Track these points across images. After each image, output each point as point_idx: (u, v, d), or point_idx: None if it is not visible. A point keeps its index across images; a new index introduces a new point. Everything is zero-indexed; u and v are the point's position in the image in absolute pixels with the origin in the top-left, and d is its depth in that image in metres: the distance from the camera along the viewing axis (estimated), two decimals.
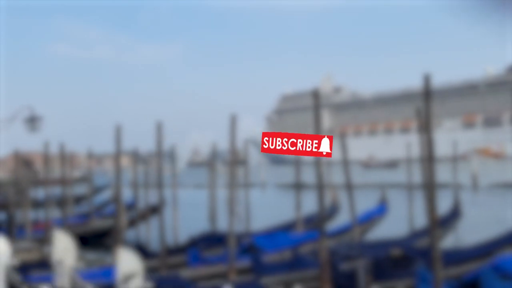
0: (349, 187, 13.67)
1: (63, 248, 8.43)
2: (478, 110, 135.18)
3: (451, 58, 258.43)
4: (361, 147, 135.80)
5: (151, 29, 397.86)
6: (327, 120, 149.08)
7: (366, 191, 32.67)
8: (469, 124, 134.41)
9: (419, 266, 9.07)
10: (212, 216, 18.85)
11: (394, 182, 42.77)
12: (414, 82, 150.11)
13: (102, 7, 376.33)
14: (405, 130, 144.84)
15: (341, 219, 16.98)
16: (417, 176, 20.73)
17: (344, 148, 14.12)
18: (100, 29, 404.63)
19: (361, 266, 9.77)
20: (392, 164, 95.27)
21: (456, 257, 10.35)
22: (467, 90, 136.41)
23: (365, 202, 18.65)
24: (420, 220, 19.50)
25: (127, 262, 7.80)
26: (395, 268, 10.09)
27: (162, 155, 13.52)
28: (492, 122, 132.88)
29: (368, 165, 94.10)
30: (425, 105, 8.93)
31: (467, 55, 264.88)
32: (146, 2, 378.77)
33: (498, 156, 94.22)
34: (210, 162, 20.80)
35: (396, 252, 10.94)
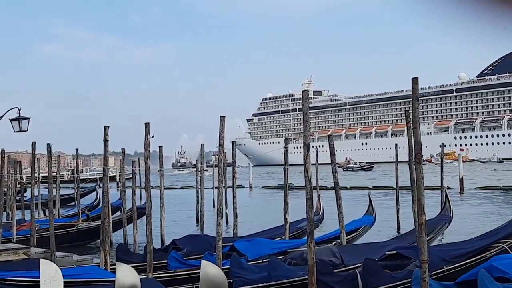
0: (337, 196, 13.23)
1: (50, 278, 8.01)
2: (451, 115, 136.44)
3: (425, 65, 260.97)
4: (338, 150, 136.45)
5: (142, 32, 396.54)
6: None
7: (344, 193, 32.33)
8: (442, 128, 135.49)
9: (416, 269, 8.68)
10: (199, 217, 18.40)
11: (370, 184, 42.58)
12: (390, 87, 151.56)
13: (92, 9, 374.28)
14: (380, 133, 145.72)
15: (326, 228, 16.61)
16: (395, 178, 20.63)
17: (331, 150, 13.78)
18: (90, 30, 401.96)
19: (360, 270, 9.38)
20: (368, 167, 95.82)
21: (452, 252, 9.98)
22: (441, 95, 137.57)
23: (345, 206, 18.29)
24: (404, 222, 19.28)
25: (125, 277, 7.38)
26: (391, 269, 9.70)
27: (150, 156, 13.06)
28: (464, 126, 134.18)
29: (345, 167, 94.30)
30: (413, 107, 8.55)
31: (442, 62, 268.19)
32: (136, 4, 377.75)
33: (462, 160, 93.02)
34: (196, 164, 20.34)
35: (390, 253, 10.58)
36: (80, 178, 37.32)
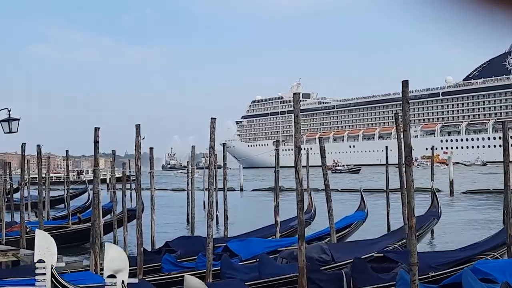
0: (328, 198, 13.21)
1: (44, 248, 7.92)
2: (438, 118, 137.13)
3: (413, 68, 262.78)
4: (326, 152, 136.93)
5: (133, 33, 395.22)
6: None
7: (334, 196, 32.30)
8: (428, 131, 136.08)
9: (401, 271, 8.69)
10: (190, 219, 18.25)
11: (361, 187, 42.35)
12: (378, 91, 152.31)
13: (84, 10, 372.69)
14: (368, 136, 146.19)
15: (319, 222, 16.54)
16: (385, 180, 20.60)
17: (322, 152, 13.72)
18: (81, 31, 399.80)
19: (346, 269, 9.40)
20: (355, 169, 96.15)
21: (438, 260, 10.01)
22: (428, 99, 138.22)
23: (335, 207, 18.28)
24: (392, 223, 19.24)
25: (114, 257, 7.27)
26: (378, 271, 9.67)
27: (141, 158, 12.92)
28: (450, 129, 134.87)
29: (333, 170, 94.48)
30: (403, 110, 8.48)
31: (429, 65, 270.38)
32: (130, 6, 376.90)
33: (445, 163, 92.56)
34: (187, 166, 20.16)
35: (378, 255, 10.57)
36: (87, 179, 37.06)
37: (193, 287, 8.53)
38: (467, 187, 43.92)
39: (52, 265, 7.88)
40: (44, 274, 7.77)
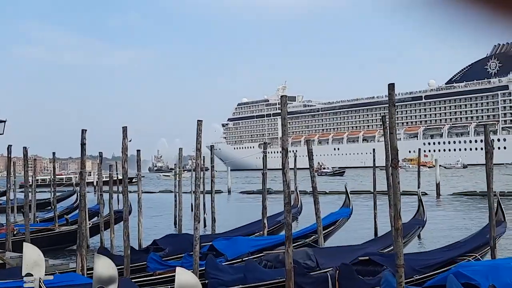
0: (315, 200, 13.24)
1: (32, 261, 7.78)
2: (420, 121, 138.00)
3: (397, 71, 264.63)
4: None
5: (121, 35, 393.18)
6: (280, 128, 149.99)
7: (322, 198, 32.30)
8: (411, 134, 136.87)
9: (385, 272, 8.68)
10: (177, 222, 18.14)
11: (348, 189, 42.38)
12: (362, 94, 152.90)
13: (72, 11, 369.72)
14: (352, 139, 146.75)
15: (305, 223, 16.50)
16: (367, 182, 20.68)
17: (309, 155, 13.72)
18: (69, 33, 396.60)
19: (331, 271, 9.38)
20: (340, 172, 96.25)
21: (422, 262, 10.01)
22: (411, 102, 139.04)
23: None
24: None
25: (103, 269, 7.15)
26: (363, 275, 9.64)
27: (128, 160, 12.79)
28: (433, 133, 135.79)
29: (319, 172, 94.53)
30: (390, 113, 8.43)
31: (412, 69, 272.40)
32: (117, 8, 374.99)
33: (426, 166, 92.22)
34: (175, 168, 20.03)
35: (363, 259, 10.53)
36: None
37: (184, 281, 8.40)
38: (451, 190, 44.10)
39: (40, 278, 7.77)
40: None
